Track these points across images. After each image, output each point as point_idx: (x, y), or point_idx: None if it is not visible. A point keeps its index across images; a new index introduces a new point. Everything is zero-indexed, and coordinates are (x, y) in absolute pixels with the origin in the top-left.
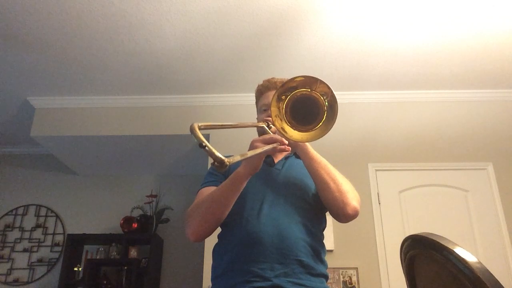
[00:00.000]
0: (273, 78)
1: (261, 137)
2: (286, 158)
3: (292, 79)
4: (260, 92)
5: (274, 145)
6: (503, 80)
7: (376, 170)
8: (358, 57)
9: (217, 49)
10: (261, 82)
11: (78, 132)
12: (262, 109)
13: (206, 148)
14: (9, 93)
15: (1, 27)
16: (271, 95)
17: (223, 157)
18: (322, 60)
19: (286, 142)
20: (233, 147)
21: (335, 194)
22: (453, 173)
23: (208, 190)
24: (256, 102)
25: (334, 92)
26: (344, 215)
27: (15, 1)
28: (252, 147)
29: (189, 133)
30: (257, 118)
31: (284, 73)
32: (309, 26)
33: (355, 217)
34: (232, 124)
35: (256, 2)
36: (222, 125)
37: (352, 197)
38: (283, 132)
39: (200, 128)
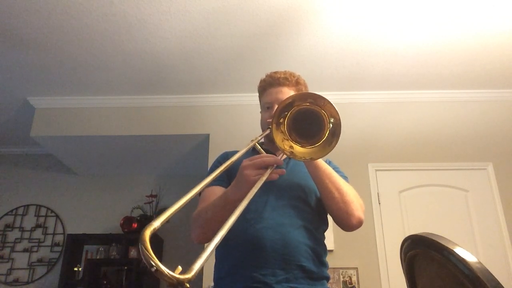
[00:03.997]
0: (276, 72)
1: (252, 162)
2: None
3: (286, 99)
4: (263, 89)
5: (268, 172)
6: (503, 80)
7: (376, 170)
8: (358, 57)
9: (217, 49)
10: (263, 77)
11: (78, 132)
12: (266, 107)
13: (157, 270)
14: (9, 93)
15: (1, 27)
16: (274, 92)
17: (181, 278)
18: (322, 60)
19: (282, 162)
20: (232, 146)
21: (339, 205)
22: (453, 173)
23: (211, 190)
24: (260, 98)
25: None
26: (348, 226)
27: (15, 1)
28: (241, 175)
29: (189, 133)
30: (260, 112)
31: None
32: (309, 26)
33: (360, 227)
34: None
35: (256, 2)
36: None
37: (356, 207)
38: (294, 156)
39: (154, 231)
